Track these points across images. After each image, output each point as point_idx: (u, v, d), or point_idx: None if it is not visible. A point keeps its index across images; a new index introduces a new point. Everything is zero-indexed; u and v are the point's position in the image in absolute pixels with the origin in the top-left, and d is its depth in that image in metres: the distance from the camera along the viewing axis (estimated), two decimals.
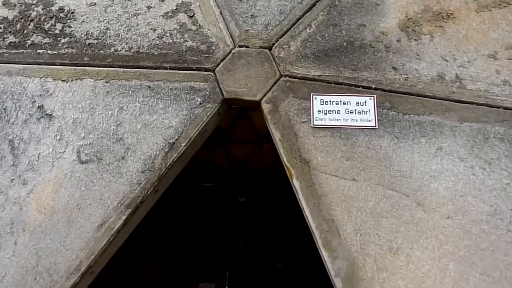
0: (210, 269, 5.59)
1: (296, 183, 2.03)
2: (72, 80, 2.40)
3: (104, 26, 2.51)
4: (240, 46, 2.32)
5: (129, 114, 2.27)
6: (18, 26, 2.63)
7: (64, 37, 2.53)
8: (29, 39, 2.57)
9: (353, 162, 2.06)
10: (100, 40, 2.48)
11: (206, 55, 2.33)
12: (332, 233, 1.95)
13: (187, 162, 2.29)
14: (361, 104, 2.15)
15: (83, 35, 2.51)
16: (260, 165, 9.67)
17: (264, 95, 2.22)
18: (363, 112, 2.13)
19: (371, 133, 2.11)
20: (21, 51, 2.55)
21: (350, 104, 2.15)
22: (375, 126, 2.11)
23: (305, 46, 2.30)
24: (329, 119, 2.13)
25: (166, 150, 2.18)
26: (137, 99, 2.29)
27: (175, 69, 2.32)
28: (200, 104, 2.24)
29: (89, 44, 2.48)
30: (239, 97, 2.23)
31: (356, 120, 2.12)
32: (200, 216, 7.25)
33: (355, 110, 2.14)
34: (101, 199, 2.15)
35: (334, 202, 1.99)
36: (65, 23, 2.58)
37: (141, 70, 2.35)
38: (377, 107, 2.15)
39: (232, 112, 8.49)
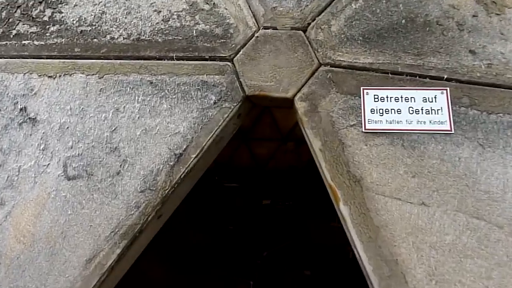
0: (233, 278, 5.07)
1: (343, 209, 1.45)
2: (60, 76, 1.89)
3: (99, 10, 1.99)
4: (266, 28, 1.75)
5: (126, 117, 1.74)
6: (4, 13, 2.14)
7: (54, 25, 2.03)
8: (14, 29, 2.08)
9: (422, 180, 1.46)
10: (94, 27, 1.96)
11: (223, 40, 1.77)
12: (396, 280, 1.36)
13: (201, 175, 1.75)
14: (430, 100, 1.54)
15: (75, 22, 1.99)
16: (284, 163, 9.10)
17: (299, 91, 1.63)
18: (433, 111, 1.53)
19: (446, 140, 1.50)
20: (4, 42, 2.06)
21: (414, 100, 1.55)
22: (451, 130, 1.50)
23: (351, 26, 1.70)
24: (386, 121, 1.53)
25: (172, 163, 1.63)
26: (136, 98, 1.76)
27: (183, 59, 1.77)
28: (215, 103, 1.68)
29: (81, 32, 1.97)
30: (265, 94, 1.66)
31: (424, 122, 1.52)
32: (222, 218, 6.75)
33: (421, 109, 1.53)
34: (90, 226, 1.63)
35: (397, 236, 1.40)
36: (55, 8, 2.07)
37: (141, 61, 1.81)
38: (451, 104, 1.53)
39: (255, 111, 7.94)
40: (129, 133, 1.71)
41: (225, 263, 5.20)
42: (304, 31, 1.71)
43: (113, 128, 1.73)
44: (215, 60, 1.74)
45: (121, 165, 1.68)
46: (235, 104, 1.66)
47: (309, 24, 1.72)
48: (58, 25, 2.02)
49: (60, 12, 2.05)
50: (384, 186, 1.46)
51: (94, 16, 1.98)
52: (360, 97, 1.56)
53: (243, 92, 1.67)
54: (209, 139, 1.62)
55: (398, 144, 1.50)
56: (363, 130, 1.52)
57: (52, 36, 2.00)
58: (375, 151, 1.50)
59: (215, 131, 1.63)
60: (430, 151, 1.48)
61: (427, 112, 1.52)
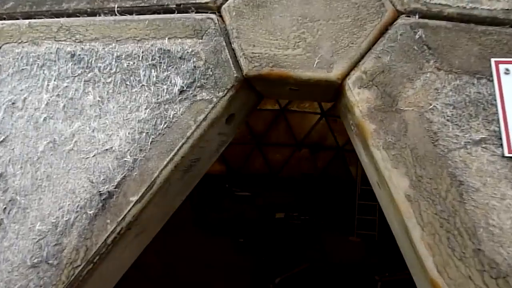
0: None
1: None
2: None
3: None
4: None
5: (25, 117, 0.90)
6: None
7: None
8: None
9: None
10: None
11: None
12: None
13: (153, 238, 0.88)
14: None
15: None
16: (298, 170, 8.22)
17: (355, 66, 0.75)
18: None
19: None
20: None
21: None
22: None
23: None
24: None
25: (92, 211, 0.78)
26: (46, 83, 0.91)
27: (130, 13, 0.92)
28: (182, 92, 0.81)
29: None
30: (282, 72, 0.78)
31: None
32: (232, 229, 5.92)
33: None
34: None
35: None
36: None
37: (62, 20, 0.97)
38: None
39: (268, 114, 7.06)
40: (26, 148, 0.86)
41: (235, 283, 4.37)
42: None
43: (1, 138, 0.89)
44: (186, 12, 0.87)
45: (5, 208, 0.83)
46: (221, 94, 0.78)
47: None
48: None
49: None
50: None
51: None
52: (492, 80, 0.68)
53: (238, 71, 0.80)
54: (167, 165, 0.76)
55: None
56: (506, 154, 0.64)
57: None
58: None
59: (180, 149, 0.77)
60: None
61: None
